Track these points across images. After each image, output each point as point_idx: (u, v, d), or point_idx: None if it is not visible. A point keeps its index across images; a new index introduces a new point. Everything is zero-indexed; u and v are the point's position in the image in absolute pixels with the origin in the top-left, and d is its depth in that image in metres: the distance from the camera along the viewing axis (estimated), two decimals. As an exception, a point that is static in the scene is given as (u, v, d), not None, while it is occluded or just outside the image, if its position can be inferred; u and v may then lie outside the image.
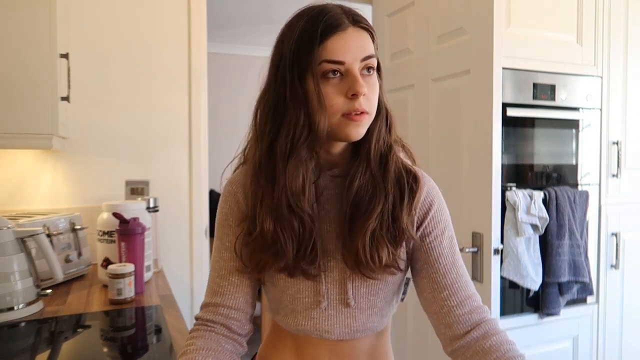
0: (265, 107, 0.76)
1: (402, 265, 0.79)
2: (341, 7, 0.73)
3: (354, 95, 0.70)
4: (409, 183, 0.78)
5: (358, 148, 0.77)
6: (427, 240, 0.79)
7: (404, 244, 0.78)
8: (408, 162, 0.83)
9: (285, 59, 0.72)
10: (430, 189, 0.81)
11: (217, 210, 0.84)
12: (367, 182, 0.75)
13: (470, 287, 0.79)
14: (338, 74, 0.71)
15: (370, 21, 2.56)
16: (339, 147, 0.78)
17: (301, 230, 0.74)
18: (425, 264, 0.79)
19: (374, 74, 0.74)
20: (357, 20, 0.72)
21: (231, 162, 0.85)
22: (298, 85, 0.71)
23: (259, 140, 0.76)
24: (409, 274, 0.85)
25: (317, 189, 0.78)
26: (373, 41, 0.75)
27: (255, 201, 0.76)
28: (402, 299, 0.88)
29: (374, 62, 0.73)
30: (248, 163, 0.81)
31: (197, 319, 0.81)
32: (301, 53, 0.71)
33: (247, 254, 0.77)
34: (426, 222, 0.79)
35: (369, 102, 0.72)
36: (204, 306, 0.81)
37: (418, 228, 0.79)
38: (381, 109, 0.78)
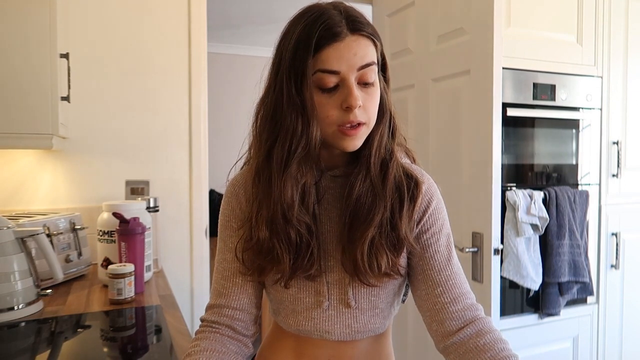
0: (264, 113, 0.74)
1: (402, 271, 0.79)
2: (342, 11, 0.70)
3: (348, 108, 0.68)
4: (409, 189, 0.76)
5: (359, 151, 0.76)
6: (424, 237, 0.79)
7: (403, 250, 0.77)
8: (408, 160, 0.82)
9: (284, 65, 0.70)
10: (429, 186, 0.81)
11: (220, 211, 0.84)
12: (367, 190, 0.74)
13: (465, 285, 0.79)
14: (334, 84, 0.69)
15: (370, 21, 2.54)
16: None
17: (298, 240, 0.73)
18: (421, 261, 0.79)
19: (375, 83, 0.71)
20: (357, 28, 0.69)
21: (235, 163, 0.84)
22: (295, 94, 0.69)
23: (258, 147, 0.75)
24: None
25: (319, 190, 0.77)
26: (376, 46, 0.72)
27: (254, 207, 0.75)
28: (404, 300, 0.88)
29: (373, 69, 0.70)
30: (249, 165, 0.81)
31: (202, 320, 0.81)
32: (297, 61, 0.68)
33: (247, 259, 0.77)
34: (424, 220, 0.79)
35: (366, 113, 0.70)
36: (209, 307, 0.81)
37: (416, 225, 0.79)
38: (384, 113, 0.76)
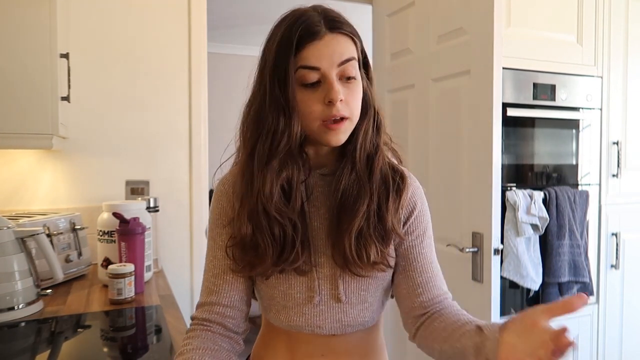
0: (249, 112, 0.77)
1: (391, 262, 0.81)
2: (321, 12, 0.74)
3: (330, 102, 0.71)
4: (395, 182, 0.80)
5: (345, 147, 0.78)
6: (409, 239, 0.82)
7: (392, 241, 0.80)
8: (395, 161, 0.85)
9: (267, 67, 0.74)
10: (415, 189, 0.84)
11: (210, 210, 0.86)
12: (353, 182, 0.77)
13: (443, 285, 0.84)
14: (316, 81, 0.72)
15: (370, 21, 2.53)
16: (326, 147, 0.79)
17: (282, 235, 0.75)
18: (404, 262, 0.82)
19: (357, 78, 0.74)
20: (335, 26, 0.72)
21: (220, 165, 0.86)
22: (279, 92, 0.72)
23: (243, 146, 0.78)
24: None
25: (307, 187, 0.79)
26: (355, 43, 0.75)
27: (239, 203, 0.78)
28: (392, 296, 0.89)
29: (353, 65, 0.73)
30: (237, 164, 0.82)
31: (193, 318, 0.82)
32: (279, 61, 0.72)
33: (237, 255, 0.78)
34: (409, 222, 0.82)
35: (348, 107, 0.73)
36: (200, 305, 0.82)
37: (402, 227, 0.82)
38: (368, 109, 0.78)
